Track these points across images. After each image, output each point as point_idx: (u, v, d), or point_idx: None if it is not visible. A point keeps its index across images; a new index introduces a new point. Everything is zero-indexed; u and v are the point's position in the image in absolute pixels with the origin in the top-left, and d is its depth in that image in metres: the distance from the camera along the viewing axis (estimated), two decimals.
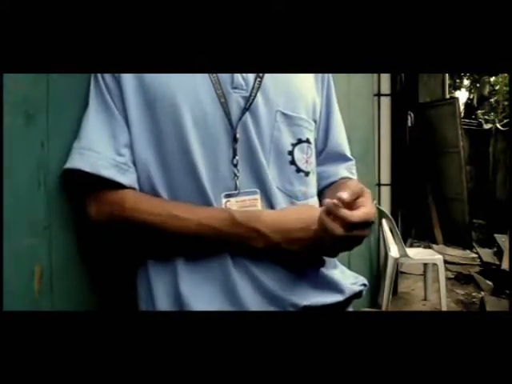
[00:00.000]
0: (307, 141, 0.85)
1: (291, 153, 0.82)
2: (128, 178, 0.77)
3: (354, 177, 0.97)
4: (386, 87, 4.01)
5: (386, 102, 4.02)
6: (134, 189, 0.78)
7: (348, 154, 0.98)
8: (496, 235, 6.05)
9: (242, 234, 0.74)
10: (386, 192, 4.09)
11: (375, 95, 3.91)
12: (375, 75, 3.86)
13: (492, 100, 12.99)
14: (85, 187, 0.78)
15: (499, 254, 5.28)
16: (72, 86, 0.79)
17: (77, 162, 0.75)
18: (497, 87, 13.06)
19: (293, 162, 0.82)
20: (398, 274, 4.11)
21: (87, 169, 0.74)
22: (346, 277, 0.85)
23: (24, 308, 0.69)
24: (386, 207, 3.96)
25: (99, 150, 0.76)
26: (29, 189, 0.70)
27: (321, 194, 0.94)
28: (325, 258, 0.82)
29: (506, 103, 12.11)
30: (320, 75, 0.93)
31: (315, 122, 0.90)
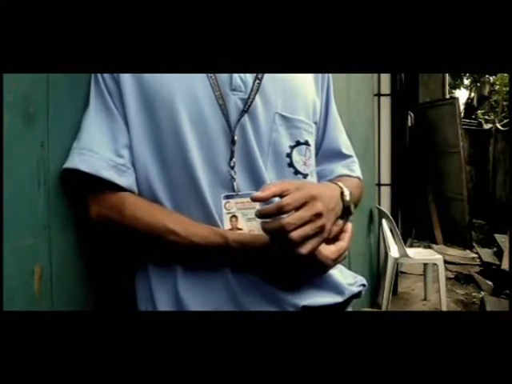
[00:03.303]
0: (306, 143, 0.84)
1: (289, 155, 0.82)
2: (126, 180, 0.77)
3: (354, 174, 0.95)
4: (386, 87, 4.02)
5: (386, 102, 4.02)
6: (132, 191, 0.78)
7: (346, 151, 0.96)
8: (496, 235, 6.06)
9: (236, 258, 0.74)
10: (385, 192, 4.10)
11: (375, 95, 3.91)
12: (375, 75, 3.86)
13: (492, 100, 12.99)
14: (84, 187, 0.78)
15: (499, 254, 5.28)
16: (72, 86, 0.79)
17: (76, 162, 0.75)
18: (497, 87, 13.06)
19: (291, 165, 0.82)
20: (398, 273, 4.11)
21: (86, 169, 0.74)
22: (344, 276, 0.85)
23: (24, 308, 0.69)
24: (386, 207, 3.97)
25: (98, 151, 0.76)
26: (29, 189, 0.70)
27: None
28: None
29: (505, 103, 12.11)
30: (320, 76, 0.92)
31: (315, 123, 0.89)
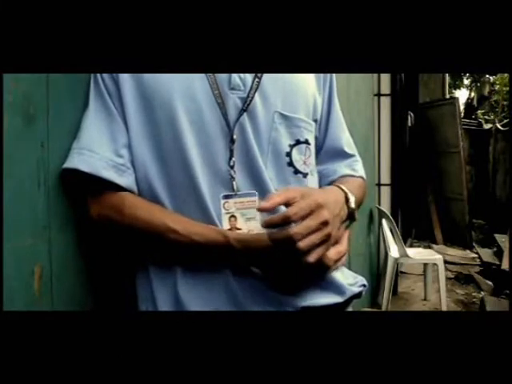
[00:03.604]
0: (306, 142, 0.84)
1: (289, 154, 0.81)
2: (126, 180, 0.77)
3: (357, 173, 0.94)
4: (386, 87, 4.02)
5: (386, 102, 4.02)
6: (132, 190, 0.78)
7: (348, 150, 0.95)
8: (496, 235, 6.05)
9: (236, 258, 0.74)
10: (385, 192, 4.10)
11: (375, 95, 3.91)
12: (375, 75, 3.86)
13: (492, 100, 12.99)
14: (84, 187, 0.78)
15: (499, 253, 5.28)
16: (72, 86, 0.79)
17: (75, 161, 0.75)
18: (497, 87, 13.06)
19: (290, 164, 0.81)
20: (398, 273, 4.11)
21: (86, 169, 0.74)
22: (345, 277, 0.85)
23: (24, 308, 0.69)
24: (386, 207, 3.97)
25: (98, 151, 0.76)
26: (29, 189, 0.70)
27: None
28: None
29: (505, 103, 12.11)
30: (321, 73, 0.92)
31: (316, 121, 0.89)
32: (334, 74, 0.95)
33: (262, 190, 0.77)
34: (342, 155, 0.95)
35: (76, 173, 0.75)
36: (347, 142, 0.96)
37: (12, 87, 0.66)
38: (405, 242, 4.21)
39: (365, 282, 0.89)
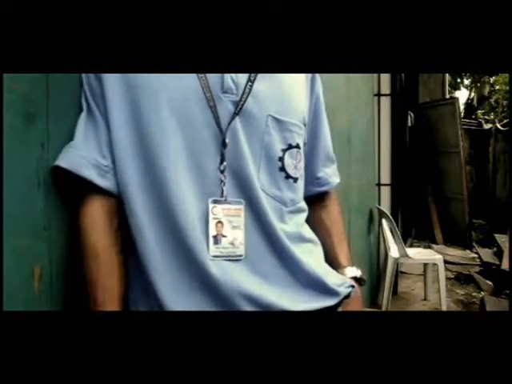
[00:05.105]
0: (297, 146, 0.83)
1: (281, 159, 0.80)
2: (107, 182, 0.75)
3: (338, 179, 1.00)
4: (386, 87, 4.02)
5: (386, 102, 4.02)
6: (114, 193, 0.76)
7: (332, 154, 1.00)
8: (496, 235, 6.05)
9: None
10: (385, 192, 4.10)
11: (375, 95, 3.91)
12: (375, 75, 3.86)
13: (492, 100, 13.01)
14: (76, 188, 0.77)
15: (499, 253, 5.28)
16: (72, 86, 0.79)
17: (60, 160, 0.74)
18: (497, 87, 13.07)
19: (282, 169, 0.81)
20: (398, 273, 4.11)
21: (69, 167, 0.73)
22: (332, 276, 0.85)
23: (24, 308, 0.69)
24: (386, 207, 3.97)
25: (83, 150, 0.75)
26: (28, 189, 0.70)
27: (312, 202, 0.95)
28: (314, 259, 0.83)
29: (505, 102, 12.11)
30: (310, 76, 0.91)
31: (305, 125, 0.88)
32: (319, 77, 0.95)
33: (252, 195, 0.77)
34: (331, 160, 0.99)
35: (65, 172, 0.74)
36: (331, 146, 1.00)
37: (12, 87, 0.66)
38: (405, 242, 4.21)
39: (353, 283, 0.88)
